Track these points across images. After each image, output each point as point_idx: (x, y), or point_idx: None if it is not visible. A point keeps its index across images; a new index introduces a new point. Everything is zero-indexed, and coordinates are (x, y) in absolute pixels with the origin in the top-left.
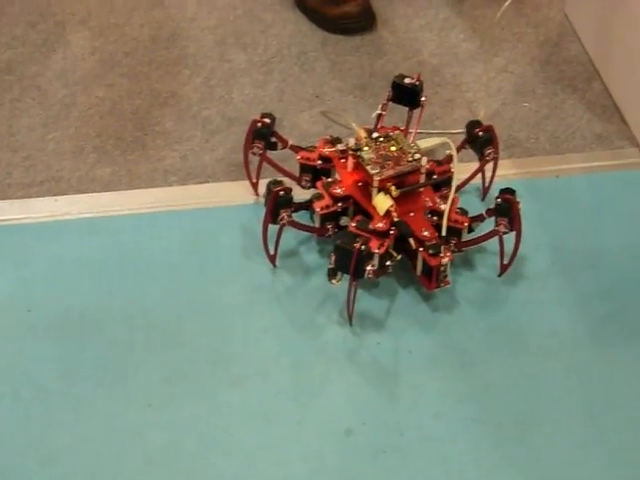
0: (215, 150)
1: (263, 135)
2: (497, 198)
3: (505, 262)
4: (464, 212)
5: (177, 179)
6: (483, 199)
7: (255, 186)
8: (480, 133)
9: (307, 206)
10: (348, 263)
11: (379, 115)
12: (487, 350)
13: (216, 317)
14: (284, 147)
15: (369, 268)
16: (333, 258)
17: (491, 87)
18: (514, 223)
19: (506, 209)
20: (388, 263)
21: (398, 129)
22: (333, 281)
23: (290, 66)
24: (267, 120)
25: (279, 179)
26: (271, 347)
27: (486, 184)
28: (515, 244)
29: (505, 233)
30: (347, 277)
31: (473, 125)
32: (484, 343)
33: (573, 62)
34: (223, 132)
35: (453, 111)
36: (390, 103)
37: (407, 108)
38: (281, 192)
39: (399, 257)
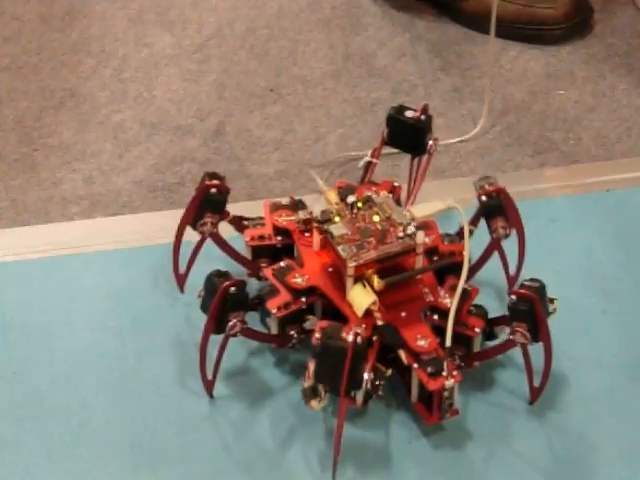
0: (131, 169)
1: (218, 205)
2: (511, 294)
3: (536, 384)
4: (481, 311)
5: (80, 210)
6: (510, 293)
7: (182, 279)
8: (483, 198)
9: (256, 304)
10: (338, 369)
11: (368, 164)
12: None
13: None
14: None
15: (367, 377)
16: (311, 369)
17: (512, 69)
18: (539, 332)
19: (524, 312)
20: (377, 382)
21: (392, 186)
22: (312, 403)
23: (234, 50)
24: (223, 183)
25: (223, 270)
26: None
27: (512, 272)
28: (545, 360)
29: (525, 344)
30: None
31: (479, 185)
32: None
33: (626, 32)
34: (142, 144)
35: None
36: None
37: (409, 155)
38: (232, 288)
39: (389, 372)
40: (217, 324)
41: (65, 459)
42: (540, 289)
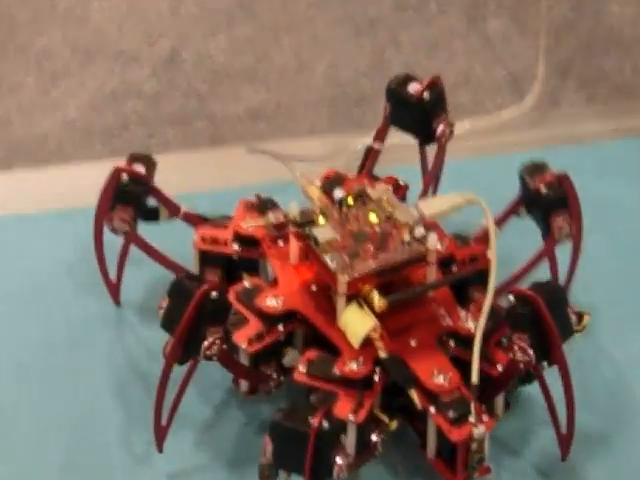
0: (61, 107)
1: (133, 197)
2: (509, 292)
3: (564, 431)
4: None
5: None
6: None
7: (115, 289)
8: (543, 188)
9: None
10: (299, 455)
11: (369, 150)
12: None
13: None
14: (173, 216)
15: (340, 462)
16: (268, 447)
17: None
18: (550, 350)
19: (523, 318)
20: (374, 438)
21: (395, 184)
22: None
23: None
24: (140, 169)
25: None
26: None
27: (561, 281)
28: (566, 394)
29: (528, 364)
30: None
31: (531, 171)
32: None
33: None
34: (75, 75)
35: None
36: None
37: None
38: (213, 293)
39: (394, 424)
40: (186, 344)
41: None
42: (554, 291)
